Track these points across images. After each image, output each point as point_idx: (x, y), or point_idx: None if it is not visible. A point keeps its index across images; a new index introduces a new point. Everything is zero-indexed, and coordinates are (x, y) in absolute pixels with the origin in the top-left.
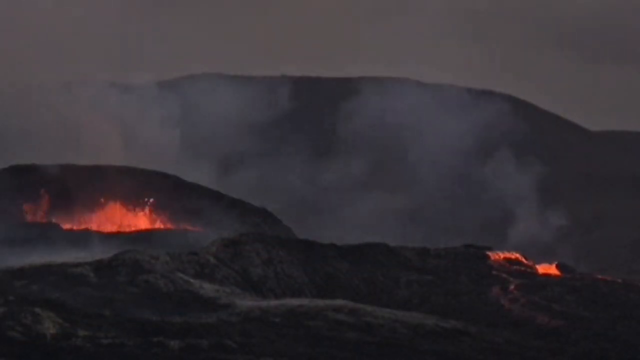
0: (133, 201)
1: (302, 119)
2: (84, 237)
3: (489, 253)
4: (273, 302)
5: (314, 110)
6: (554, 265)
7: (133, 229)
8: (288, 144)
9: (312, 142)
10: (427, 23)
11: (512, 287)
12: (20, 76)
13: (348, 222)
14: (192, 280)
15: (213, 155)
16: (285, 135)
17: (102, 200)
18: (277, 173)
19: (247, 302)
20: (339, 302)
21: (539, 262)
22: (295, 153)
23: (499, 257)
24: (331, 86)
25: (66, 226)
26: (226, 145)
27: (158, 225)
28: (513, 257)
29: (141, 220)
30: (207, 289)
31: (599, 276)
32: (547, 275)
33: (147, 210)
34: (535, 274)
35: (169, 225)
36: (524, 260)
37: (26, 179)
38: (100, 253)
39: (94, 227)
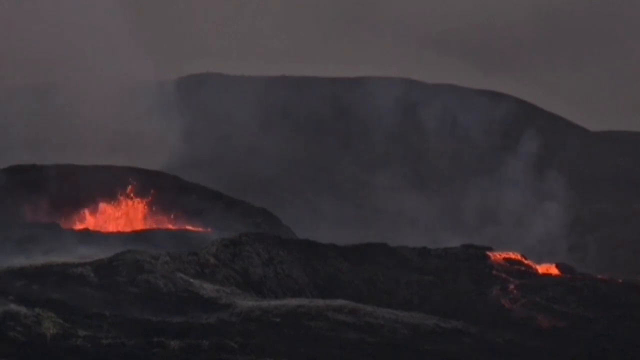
0: (133, 201)
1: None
2: (84, 237)
3: (489, 253)
4: (273, 302)
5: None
6: (554, 265)
7: (133, 228)
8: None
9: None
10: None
11: (512, 287)
12: (20, 76)
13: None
14: (192, 281)
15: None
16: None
17: (103, 200)
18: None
19: (247, 303)
20: (339, 302)
21: (539, 262)
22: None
23: (499, 257)
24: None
25: (66, 226)
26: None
27: (158, 225)
28: (513, 257)
29: (141, 220)
30: (208, 289)
31: (599, 276)
32: (547, 275)
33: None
34: (535, 274)
35: (169, 225)
36: (524, 260)
37: (26, 179)
38: (100, 253)
39: (93, 227)
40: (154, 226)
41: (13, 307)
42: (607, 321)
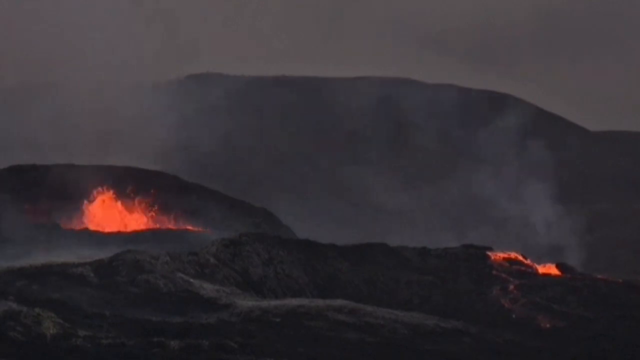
0: (133, 201)
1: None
2: (84, 237)
3: (489, 253)
4: (273, 302)
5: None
6: (554, 265)
7: (133, 228)
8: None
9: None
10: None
11: (512, 287)
12: (19, 76)
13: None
14: (192, 281)
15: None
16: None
17: (102, 200)
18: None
19: (247, 302)
20: (339, 302)
21: (539, 262)
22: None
23: (499, 257)
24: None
25: (66, 226)
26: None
27: (158, 225)
28: (513, 257)
29: (141, 220)
30: (208, 289)
31: (599, 276)
32: (547, 275)
33: (136, 203)
34: (535, 274)
35: (169, 225)
36: (524, 260)
37: (26, 179)
38: (100, 253)
39: (94, 227)
40: (154, 226)
41: (13, 307)
42: (607, 321)
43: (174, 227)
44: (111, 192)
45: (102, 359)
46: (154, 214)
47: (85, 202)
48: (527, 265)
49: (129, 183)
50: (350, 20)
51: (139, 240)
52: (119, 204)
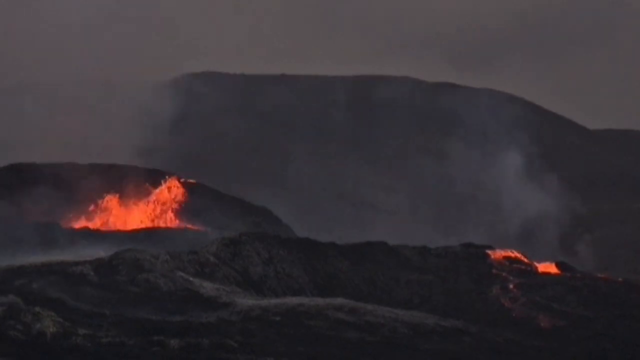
0: (133, 200)
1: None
2: (84, 236)
3: (489, 252)
4: (273, 301)
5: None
6: (554, 265)
7: (133, 227)
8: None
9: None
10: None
11: (512, 286)
12: (19, 76)
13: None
14: (192, 280)
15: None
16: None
17: (102, 199)
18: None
19: (247, 301)
20: (339, 301)
21: (539, 261)
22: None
23: (499, 256)
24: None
25: (66, 225)
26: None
27: (158, 224)
28: (513, 256)
29: (141, 219)
30: (208, 288)
31: (599, 276)
32: (547, 275)
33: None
34: (535, 273)
35: (169, 224)
36: (523, 259)
37: (26, 179)
38: (100, 252)
39: (94, 226)
40: (154, 225)
41: (13, 305)
42: (607, 320)
43: (174, 226)
44: (110, 190)
45: (102, 357)
46: (153, 213)
47: (85, 201)
48: (527, 264)
49: (129, 182)
50: (349, 20)
51: (139, 239)
52: (118, 202)
